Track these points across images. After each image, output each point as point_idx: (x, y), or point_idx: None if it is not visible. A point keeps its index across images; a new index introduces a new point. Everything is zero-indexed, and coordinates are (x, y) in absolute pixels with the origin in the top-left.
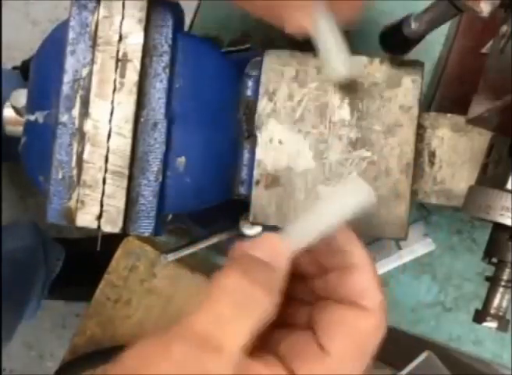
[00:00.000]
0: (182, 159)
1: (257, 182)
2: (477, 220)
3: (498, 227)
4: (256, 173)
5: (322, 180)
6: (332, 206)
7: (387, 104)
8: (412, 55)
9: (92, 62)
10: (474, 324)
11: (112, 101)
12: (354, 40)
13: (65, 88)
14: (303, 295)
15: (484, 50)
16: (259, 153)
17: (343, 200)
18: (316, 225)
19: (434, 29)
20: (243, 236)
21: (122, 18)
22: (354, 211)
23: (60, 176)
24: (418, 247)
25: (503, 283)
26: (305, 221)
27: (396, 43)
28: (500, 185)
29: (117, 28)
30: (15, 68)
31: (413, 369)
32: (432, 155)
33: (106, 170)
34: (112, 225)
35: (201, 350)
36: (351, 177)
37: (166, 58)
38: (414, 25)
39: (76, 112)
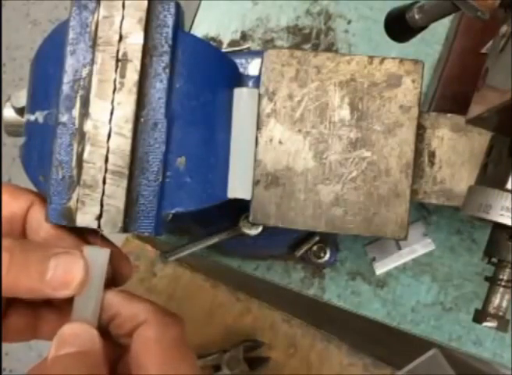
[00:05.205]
0: (182, 159)
1: (257, 182)
2: (477, 220)
3: (498, 227)
4: (256, 173)
5: (322, 180)
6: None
7: (387, 104)
8: (412, 55)
9: (92, 62)
10: (474, 324)
11: (112, 101)
12: (355, 38)
13: (65, 88)
14: None
15: (484, 50)
16: (259, 153)
17: (93, 267)
18: (90, 298)
19: (436, 20)
20: (243, 236)
21: (122, 18)
22: (104, 273)
23: (60, 176)
24: (418, 247)
25: (502, 284)
26: (81, 299)
27: (399, 30)
28: (500, 185)
29: (117, 28)
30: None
31: (418, 365)
32: (432, 155)
33: (106, 170)
34: (112, 225)
35: None
36: (85, 249)
37: (166, 58)
38: (417, 15)
39: (76, 112)
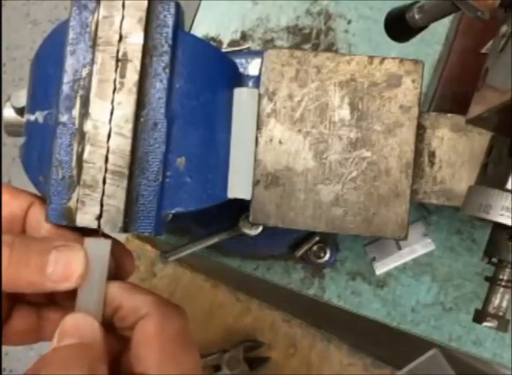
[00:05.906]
0: (182, 159)
1: (257, 182)
2: (477, 220)
3: (498, 227)
4: (256, 173)
5: (322, 180)
6: (92, 269)
7: (387, 104)
8: (412, 55)
9: (92, 62)
10: (474, 324)
11: (112, 101)
12: (355, 38)
13: (65, 88)
14: None
15: (484, 50)
16: (259, 153)
17: (94, 259)
18: (92, 291)
19: (436, 20)
20: (243, 236)
21: (122, 18)
22: (106, 264)
23: (60, 176)
24: (418, 247)
25: (502, 284)
26: (83, 292)
27: (399, 30)
28: (500, 185)
29: (117, 28)
30: None
31: (418, 365)
32: (432, 155)
33: (106, 170)
34: (112, 225)
35: None
36: (86, 240)
37: (166, 58)
38: (417, 15)
39: (76, 112)
